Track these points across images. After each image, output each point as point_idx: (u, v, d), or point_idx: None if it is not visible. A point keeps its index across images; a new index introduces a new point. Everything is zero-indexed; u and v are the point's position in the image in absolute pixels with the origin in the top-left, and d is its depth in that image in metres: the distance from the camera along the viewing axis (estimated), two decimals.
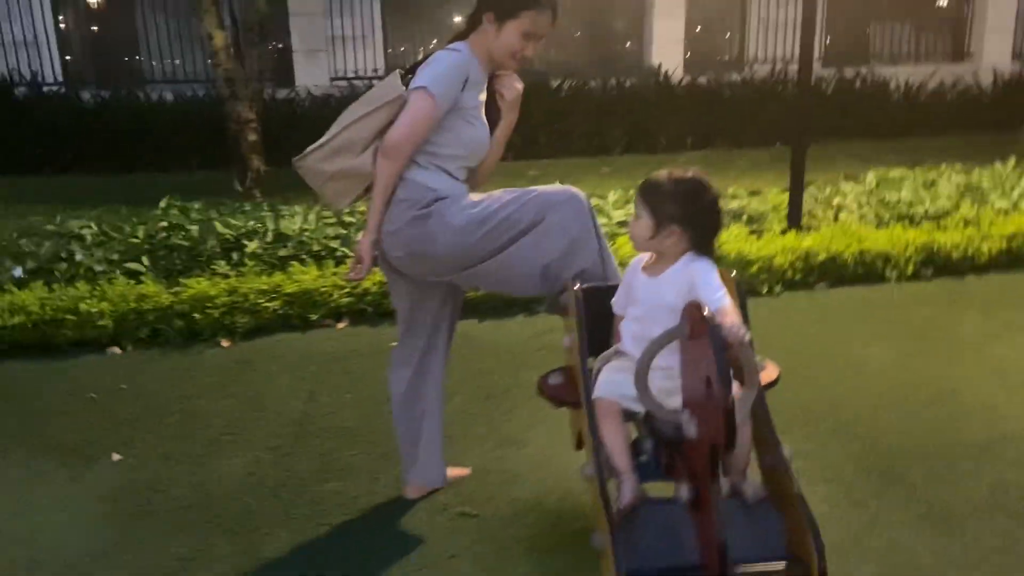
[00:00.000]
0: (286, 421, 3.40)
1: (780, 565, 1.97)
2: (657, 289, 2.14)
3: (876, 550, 2.52)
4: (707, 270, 2.09)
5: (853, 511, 2.72)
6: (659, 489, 2.18)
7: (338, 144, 2.52)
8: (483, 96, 2.61)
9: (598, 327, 2.33)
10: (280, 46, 11.38)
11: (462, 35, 2.58)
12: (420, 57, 2.62)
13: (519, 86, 2.66)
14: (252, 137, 7.15)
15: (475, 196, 2.56)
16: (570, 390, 2.36)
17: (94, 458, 3.14)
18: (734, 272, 2.37)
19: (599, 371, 2.27)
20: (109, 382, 3.77)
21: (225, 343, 4.17)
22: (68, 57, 11.76)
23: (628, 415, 2.20)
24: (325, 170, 2.54)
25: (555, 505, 2.79)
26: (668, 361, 2.03)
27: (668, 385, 2.07)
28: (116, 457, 3.14)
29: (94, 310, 4.05)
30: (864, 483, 2.87)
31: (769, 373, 2.37)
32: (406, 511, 2.78)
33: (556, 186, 2.55)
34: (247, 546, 2.61)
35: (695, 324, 1.86)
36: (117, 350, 4.09)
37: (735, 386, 1.92)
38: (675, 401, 2.04)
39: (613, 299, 2.30)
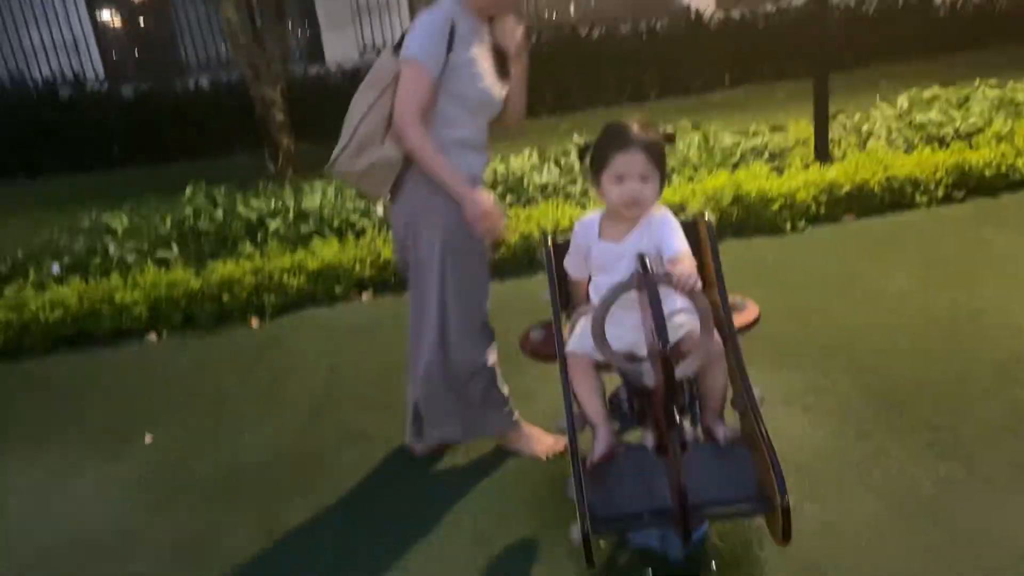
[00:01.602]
0: (309, 395, 3.53)
1: (748, 505, 1.98)
2: (622, 253, 2.14)
3: (877, 482, 2.51)
4: (668, 221, 2.11)
5: (858, 444, 2.70)
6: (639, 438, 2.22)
7: (359, 141, 2.52)
8: (480, 48, 2.49)
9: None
10: (307, 24, 11.47)
11: None
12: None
13: (519, 32, 2.58)
14: (280, 117, 7.27)
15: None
16: (549, 345, 2.39)
17: (128, 440, 3.31)
18: (707, 215, 2.37)
19: (575, 324, 2.30)
20: (145, 368, 3.95)
21: (254, 322, 4.31)
22: (108, 54, 12.07)
23: (605, 366, 2.23)
24: (356, 169, 2.55)
25: (560, 459, 2.84)
26: (634, 314, 2.05)
27: (636, 338, 2.09)
28: (148, 438, 3.31)
29: (128, 300, 4.23)
30: (872, 415, 2.85)
31: (747, 315, 2.36)
32: (419, 474, 2.87)
33: None
34: (269, 516, 2.74)
35: (640, 276, 1.88)
36: (154, 337, 4.27)
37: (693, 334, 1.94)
38: (644, 351, 2.07)
39: (566, 262, 2.31)
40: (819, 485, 2.52)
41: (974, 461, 2.55)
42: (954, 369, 3.06)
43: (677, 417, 1.84)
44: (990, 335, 3.26)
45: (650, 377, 1.88)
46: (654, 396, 1.90)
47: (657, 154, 2.10)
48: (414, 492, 2.77)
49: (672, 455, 1.82)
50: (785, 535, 1.90)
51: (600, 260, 2.20)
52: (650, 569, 2.27)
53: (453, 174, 2.46)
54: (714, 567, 2.26)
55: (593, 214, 2.24)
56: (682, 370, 1.93)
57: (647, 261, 1.83)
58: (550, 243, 2.38)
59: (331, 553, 2.52)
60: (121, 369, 3.97)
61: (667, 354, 1.71)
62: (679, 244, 2.06)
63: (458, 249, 2.56)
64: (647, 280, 1.79)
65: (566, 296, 2.40)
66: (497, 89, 2.55)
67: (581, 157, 2.24)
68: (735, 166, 5.11)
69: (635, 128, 2.10)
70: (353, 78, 9.65)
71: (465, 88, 2.48)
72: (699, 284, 1.91)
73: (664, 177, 2.15)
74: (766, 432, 1.94)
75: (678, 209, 2.50)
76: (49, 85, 10.04)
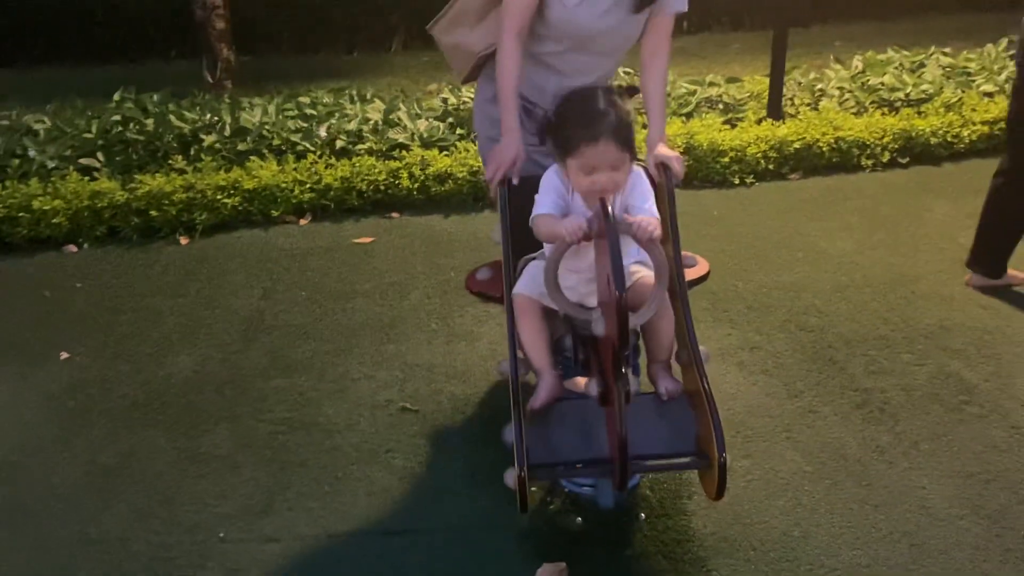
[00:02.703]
0: (238, 319, 3.41)
1: (686, 459, 1.98)
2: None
3: (804, 440, 2.55)
4: (640, 183, 2.05)
5: (788, 402, 2.73)
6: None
7: (453, 15, 2.43)
8: None
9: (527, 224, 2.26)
10: None
11: None
12: None
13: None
14: (220, 25, 6.91)
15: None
16: (496, 285, 2.33)
17: (43, 356, 3.16)
18: (674, 162, 2.29)
19: (522, 268, 2.23)
20: (63, 280, 3.76)
21: (183, 240, 4.14)
22: None
23: (552, 313, 2.18)
24: (444, 41, 2.47)
25: (496, 401, 2.81)
26: (586, 263, 2.00)
27: (587, 289, 2.04)
28: (64, 355, 3.16)
29: (47, 208, 4.00)
30: (805, 374, 2.88)
31: (697, 270, 2.34)
32: (348, 406, 2.81)
33: None
34: (187, 442, 2.65)
35: (601, 221, 1.81)
36: (73, 248, 4.06)
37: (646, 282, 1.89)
38: (593, 302, 2.02)
39: (541, 200, 2.17)
40: (749, 442, 2.55)
41: (899, 426, 2.60)
42: (886, 333, 3.11)
43: (625, 368, 1.80)
44: (922, 303, 3.32)
45: (600, 326, 1.84)
46: (602, 345, 1.86)
47: (628, 137, 1.96)
48: (340, 425, 2.71)
49: (616, 405, 1.79)
50: (720, 492, 1.90)
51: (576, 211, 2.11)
52: (579, 518, 2.27)
53: (508, 108, 2.26)
54: (642, 516, 2.27)
55: (555, 166, 2.12)
56: (635, 320, 1.89)
57: (608, 207, 1.76)
58: (511, 178, 2.27)
59: (251, 484, 2.45)
60: (37, 280, 3.77)
61: (624, 303, 1.66)
62: (650, 207, 2.00)
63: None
64: (609, 226, 1.73)
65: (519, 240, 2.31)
66: (590, 20, 2.27)
67: (544, 131, 2.07)
68: (688, 115, 5.06)
69: (601, 104, 1.94)
70: None
71: (546, 10, 2.27)
72: (658, 233, 1.86)
73: (634, 153, 2.02)
74: (709, 389, 1.93)
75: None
76: None
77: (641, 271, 2.04)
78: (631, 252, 2.02)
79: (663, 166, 2.23)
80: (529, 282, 2.15)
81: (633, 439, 1.83)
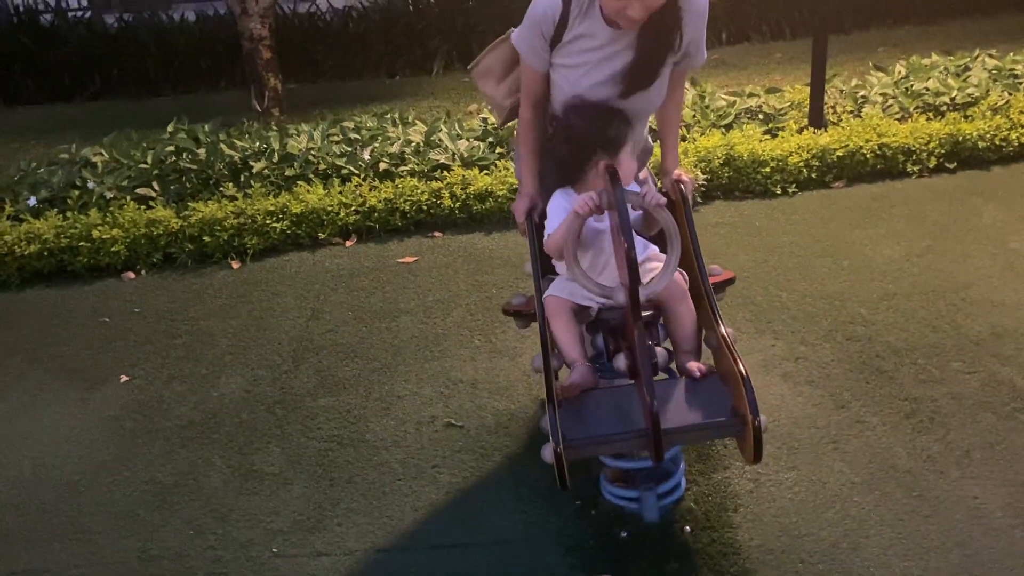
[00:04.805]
0: (287, 339, 3.49)
1: (721, 422, 2.00)
2: (607, 228, 2.15)
3: (852, 451, 2.52)
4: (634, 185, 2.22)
5: (835, 413, 2.71)
6: None
7: (482, 69, 2.48)
8: (599, 42, 2.15)
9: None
10: None
11: None
12: None
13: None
14: (267, 55, 7.08)
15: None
16: (530, 305, 2.40)
17: (103, 379, 3.28)
18: (685, 180, 2.38)
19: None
20: (122, 306, 3.90)
21: (235, 265, 4.25)
22: None
23: (581, 316, 2.22)
24: (479, 88, 2.54)
25: (539, 415, 2.83)
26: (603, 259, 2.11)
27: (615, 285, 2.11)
28: (124, 378, 3.27)
29: (107, 236, 4.15)
30: (852, 384, 2.85)
31: (722, 276, 2.40)
32: (395, 423, 2.86)
33: None
34: (240, 460, 2.73)
35: (607, 187, 1.92)
36: (131, 275, 4.20)
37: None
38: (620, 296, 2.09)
39: (551, 223, 2.21)
40: (795, 453, 2.53)
41: (949, 435, 2.56)
42: (935, 341, 3.06)
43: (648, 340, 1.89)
44: (973, 309, 3.26)
45: (621, 295, 1.91)
46: (626, 316, 1.92)
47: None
48: (387, 441, 2.76)
49: (644, 375, 1.83)
50: (757, 455, 1.95)
51: (586, 236, 2.17)
52: (624, 532, 2.28)
53: (524, 170, 2.40)
54: (687, 530, 2.27)
55: (560, 191, 2.22)
56: (650, 288, 2.00)
57: (616, 171, 1.86)
58: (535, 219, 2.36)
59: (302, 500, 2.51)
60: (97, 307, 3.91)
61: (633, 255, 1.76)
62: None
63: None
64: (616, 190, 1.82)
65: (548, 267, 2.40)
66: (598, 86, 2.21)
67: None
68: (728, 127, 5.04)
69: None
70: (345, 18, 9.43)
71: (559, 85, 2.27)
72: (663, 200, 2.00)
73: None
74: (738, 356, 1.98)
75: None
76: (30, 11, 9.75)
77: (659, 268, 2.11)
78: (648, 249, 2.15)
79: (678, 186, 2.32)
80: (559, 285, 2.22)
81: (668, 414, 1.90)
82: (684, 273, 2.21)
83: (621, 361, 2.01)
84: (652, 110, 2.34)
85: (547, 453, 1.94)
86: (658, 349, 1.97)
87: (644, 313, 1.98)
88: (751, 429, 1.91)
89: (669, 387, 2.05)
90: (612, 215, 1.95)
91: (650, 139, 2.53)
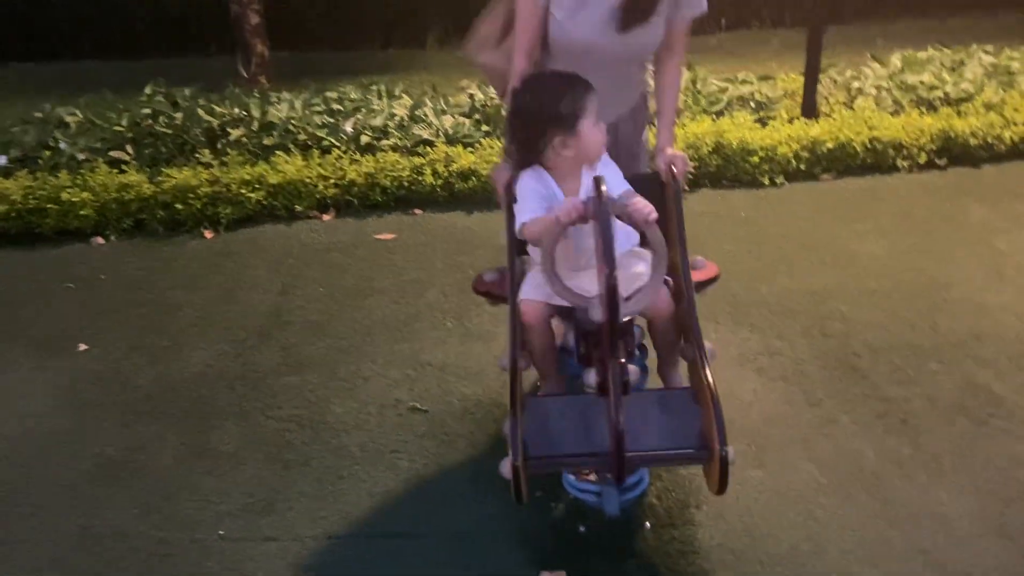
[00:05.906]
0: (255, 314, 3.41)
1: (687, 451, 1.93)
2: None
3: (820, 451, 2.47)
4: (609, 162, 2.11)
5: (807, 411, 2.65)
6: None
7: (480, 38, 2.43)
8: None
9: None
10: None
11: None
12: None
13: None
14: (255, 20, 6.94)
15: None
16: (502, 286, 2.30)
17: (61, 348, 3.19)
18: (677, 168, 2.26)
19: (526, 271, 2.20)
20: (88, 272, 3.80)
21: (208, 234, 4.16)
22: None
23: (562, 312, 2.14)
24: (476, 62, 2.47)
25: (505, 402, 2.76)
26: (584, 259, 1.98)
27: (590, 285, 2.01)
28: (82, 347, 3.18)
29: (76, 200, 4.05)
30: (826, 382, 2.79)
31: (705, 272, 2.29)
32: (357, 405, 2.78)
33: None
34: (195, 437, 2.65)
35: (594, 201, 1.80)
36: (100, 240, 4.10)
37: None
38: (594, 291, 1.99)
39: (522, 207, 2.13)
40: (764, 451, 2.47)
41: (920, 438, 2.50)
42: (914, 341, 3.00)
43: (621, 356, 1.78)
44: (954, 309, 3.20)
45: (598, 312, 1.80)
46: (601, 332, 1.83)
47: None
48: (348, 424, 2.69)
49: (612, 393, 1.75)
50: (722, 486, 1.86)
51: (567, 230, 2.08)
52: (583, 526, 2.22)
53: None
54: (648, 526, 2.22)
55: (530, 169, 2.10)
56: (631, 307, 1.89)
57: (602, 186, 1.75)
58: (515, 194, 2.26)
59: (255, 482, 2.44)
60: (62, 272, 3.81)
61: (613, 279, 1.65)
62: (627, 184, 2.06)
63: None
64: (601, 207, 1.72)
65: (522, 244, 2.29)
66: (586, 35, 2.21)
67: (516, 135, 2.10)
68: (719, 114, 4.95)
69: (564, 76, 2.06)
70: None
71: (550, 28, 2.24)
72: (654, 215, 1.88)
73: None
74: (711, 382, 1.88)
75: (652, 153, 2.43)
76: None
77: (646, 274, 2.01)
78: (637, 262, 2.03)
79: (671, 168, 2.21)
80: (534, 287, 2.12)
81: (635, 433, 1.81)
82: (670, 280, 2.13)
83: (592, 377, 1.93)
84: (648, 53, 2.28)
85: (505, 468, 1.86)
86: (631, 368, 1.87)
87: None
88: (717, 461, 1.83)
89: (638, 406, 1.94)
90: (596, 227, 1.83)
91: (650, 82, 2.43)
